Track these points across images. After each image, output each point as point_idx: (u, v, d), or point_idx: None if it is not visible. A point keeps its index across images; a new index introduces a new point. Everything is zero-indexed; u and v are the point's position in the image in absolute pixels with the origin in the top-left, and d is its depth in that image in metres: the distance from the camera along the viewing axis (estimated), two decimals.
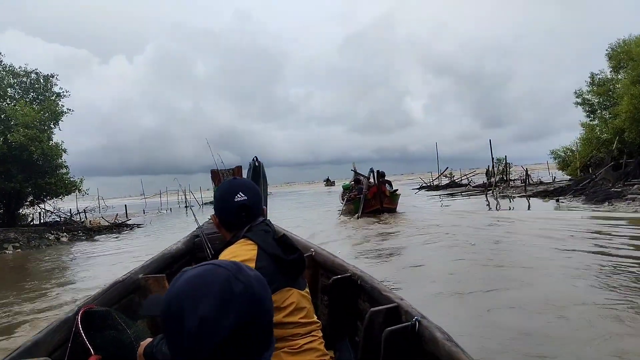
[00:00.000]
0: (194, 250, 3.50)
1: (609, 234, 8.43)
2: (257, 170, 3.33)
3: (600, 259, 6.34)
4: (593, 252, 6.86)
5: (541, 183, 26.19)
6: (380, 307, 1.96)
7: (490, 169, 29.46)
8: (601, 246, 7.27)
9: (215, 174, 3.49)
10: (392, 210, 15.70)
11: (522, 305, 4.47)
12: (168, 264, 3.15)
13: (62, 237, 16.85)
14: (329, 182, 79.93)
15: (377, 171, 15.52)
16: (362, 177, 16.53)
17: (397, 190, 16.73)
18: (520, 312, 4.33)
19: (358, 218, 14.61)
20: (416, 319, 1.75)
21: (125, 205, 32.65)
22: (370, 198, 15.20)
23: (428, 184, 37.12)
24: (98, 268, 9.76)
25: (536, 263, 6.46)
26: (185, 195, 38.45)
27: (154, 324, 2.62)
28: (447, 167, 37.79)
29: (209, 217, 1.87)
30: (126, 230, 19.70)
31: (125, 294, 2.56)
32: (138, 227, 20.96)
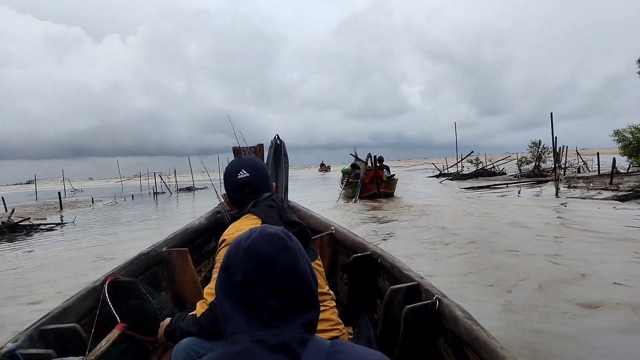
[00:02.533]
0: (216, 225, 3.56)
1: None
2: (278, 148, 3.37)
3: None
4: None
5: (618, 173, 18.10)
6: (401, 285, 1.99)
7: (545, 152, 24.40)
8: None
9: (237, 152, 3.53)
10: (390, 195, 15.85)
11: None
12: (191, 239, 3.20)
13: None
14: (323, 167, 70.94)
15: (375, 156, 15.59)
16: (359, 162, 16.62)
17: (394, 175, 16.82)
18: None
19: (355, 202, 14.72)
20: (437, 298, 1.79)
21: (59, 192, 23.20)
22: (368, 183, 15.34)
23: (443, 171, 32.70)
24: None
25: None
26: (156, 178, 34.64)
27: (176, 296, 2.68)
28: (472, 152, 30.54)
29: (222, 196, 1.95)
30: (21, 235, 11.81)
31: (150, 266, 2.61)
32: (61, 226, 13.43)
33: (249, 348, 0.76)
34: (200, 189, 33.25)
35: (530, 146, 26.89)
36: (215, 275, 1.55)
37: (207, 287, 1.57)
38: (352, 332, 2.16)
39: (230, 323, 0.80)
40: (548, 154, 24.66)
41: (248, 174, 1.74)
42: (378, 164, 15.51)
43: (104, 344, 1.79)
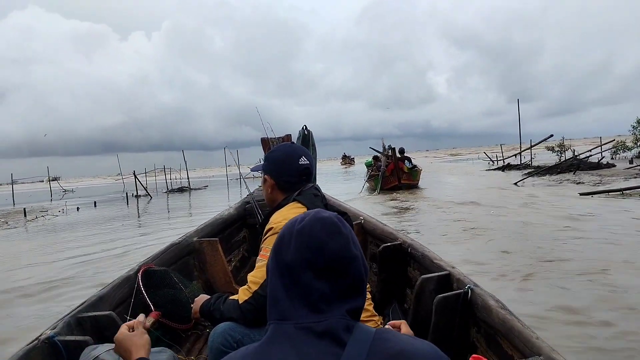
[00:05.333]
0: (245, 216, 3.62)
1: None
2: (306, 138, 3.38)
3: None
4: None
5: None
6: (432, 275, 1.97)
7: None
8: None
9: (266, 142, 3.56)
10: (413, 186, 15.76)
11: None
12: (221, 229, 3.26)
13: None
14: (346, 160, 64.32)
15: (393, 148, 15.50)
16: (380, 154, 16.62)
17: (415, 166, 16.70)
18: None
19: (377, 194, 14.69)
20: (469, 287, 1.76)
21: None
22: (389, 174, 15.30)
23: (502, 162, 25.61)
24: None
25: None
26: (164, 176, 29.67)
27: (207, 285, 2.73)
28: (551, 135, 20.06)
29: (259, 185, 1.91)
30: None
31: (181, 256, 2.66)
32: None
33: (294, 335, 0.76)
34: (197, 189, 28.25)
35: (633, 127, 21.62)
36: (259, 263, 1.55)
37: (251, 274, 1.56)
38: (383, 322, 2.16)
39: (276, 306, 0.80)
40: None
41: (308, 162, 1.72)
42: (399, 156, 15.41)
43: None
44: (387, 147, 16.24)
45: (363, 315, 1.58)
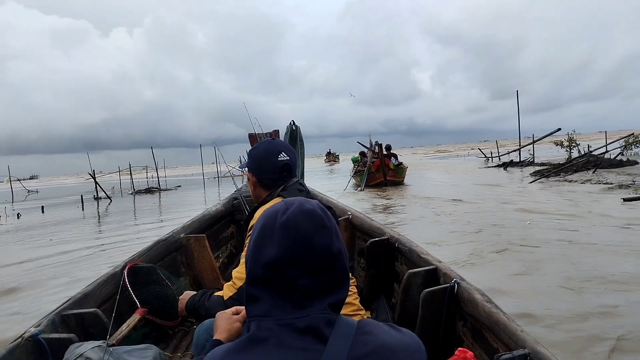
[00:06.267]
0: (233, 211, 3.62)
1: None
2: (293, 134, 3.40)
3: None
4: None
5: None
6: (419, 269, 1.99)
7: None
8: None
9: (254, 138, 3.57)
10: (398, 183, 15.84)
11: None
12: (208, 225, 3.25)
13: None
14: (331, 157, 59.98)
15: (380, 144, 15.56)
16: (366, 150, 16.67)
17: (401, 163, 16.79)
18: None
19: (361, 190, 14.70)
20: (455, 281, 1.78)
21: None
22: (374, 171, 15.36)
23: (497, 158, 25.64)
24: None
25: None
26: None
27: (195, 281, 2.71)
28: (559, 129, 18.24)
29: (246, 179, 1.90)
30: None
31: (168, 252, 2.64)
32: None
33: (276, 332, 0.75)
34: (168, 189, 25.63)
35: None
36: (244, 259, 1.53)
37: (236, 270, 1.56)
38: (370, 316, 2.16)
39: (256, 304, 0.78)
40: None
41: (288, 157, 1.70)
42: (385, 152, 15.47)
43: (124, 328, 1.81)
44: (374, 143, 16.32)
45: (349, 310, 1.59)
